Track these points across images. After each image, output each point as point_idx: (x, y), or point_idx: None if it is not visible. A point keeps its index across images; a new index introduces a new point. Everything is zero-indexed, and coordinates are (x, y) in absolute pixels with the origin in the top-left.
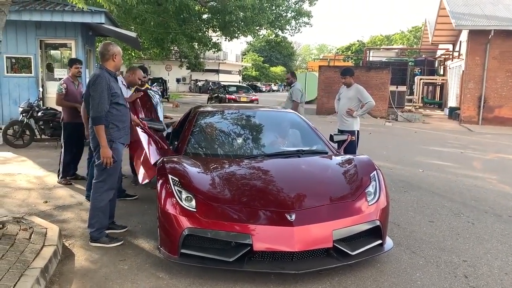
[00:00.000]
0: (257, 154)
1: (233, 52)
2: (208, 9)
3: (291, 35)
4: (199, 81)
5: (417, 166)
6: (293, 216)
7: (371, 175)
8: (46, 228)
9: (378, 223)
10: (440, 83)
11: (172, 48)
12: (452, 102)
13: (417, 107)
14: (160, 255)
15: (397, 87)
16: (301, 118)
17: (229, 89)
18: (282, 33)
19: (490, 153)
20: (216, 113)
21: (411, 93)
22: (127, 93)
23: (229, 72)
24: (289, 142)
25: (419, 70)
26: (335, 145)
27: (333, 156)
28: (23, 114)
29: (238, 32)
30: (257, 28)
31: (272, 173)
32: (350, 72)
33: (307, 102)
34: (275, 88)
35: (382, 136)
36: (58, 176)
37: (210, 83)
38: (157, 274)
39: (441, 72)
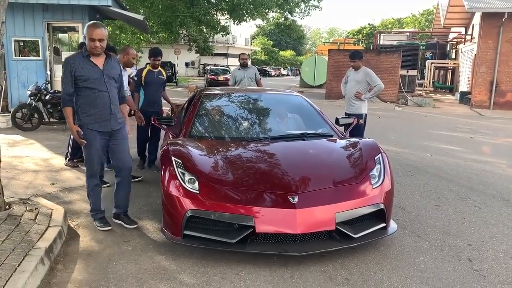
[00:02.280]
0: (261, 137)
1: (242, 36)
2: None
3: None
4: (208, 65)
5: (425, 150)
6: (296, 199)
7: (375, 158)
8: (52, 210)
9: (382, 206)
10: (451, 67)
11: (180, 31)
12: (463, 86)
13: (428, 91)
14: (164, 236)
15: (407, 71)
16: (307, 101)
17: (212, 71)
18: (292, 16)
19: (500, 138)
20: (221, 96)
21: (422, 77)
22: (124, 75)
23: (238, 56)
24: (294, 125)
25: (431, 54)
26: (341, 129)
27: (338, 139)
28: (32, 97)
29: (247, 15)
30: (265, 11)
31: (275, 156)
32: (359, 55)
33: (316, 87)
34: (284, 72)
35: (391, 121)
36: (66, 158)
37: (206, 66)
38: (161, 255)
39: (453, 56)
